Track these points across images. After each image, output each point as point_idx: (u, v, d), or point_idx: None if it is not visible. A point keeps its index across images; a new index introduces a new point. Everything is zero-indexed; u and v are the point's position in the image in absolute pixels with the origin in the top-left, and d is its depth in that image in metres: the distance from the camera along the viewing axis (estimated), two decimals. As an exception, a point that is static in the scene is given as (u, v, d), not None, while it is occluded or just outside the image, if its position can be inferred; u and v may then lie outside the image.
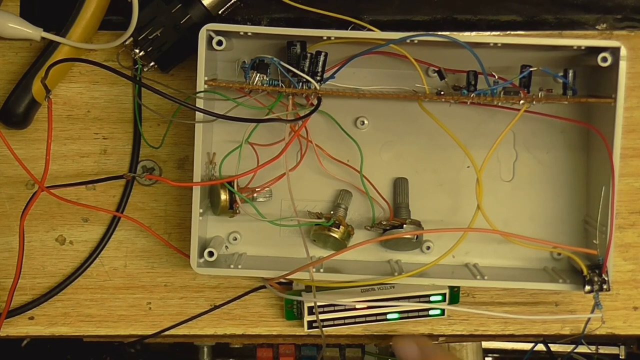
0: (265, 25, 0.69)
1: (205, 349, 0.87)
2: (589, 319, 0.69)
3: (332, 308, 0.67)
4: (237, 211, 0.65)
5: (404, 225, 0.66)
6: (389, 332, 0.71)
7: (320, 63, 0.62)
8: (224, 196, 0.65)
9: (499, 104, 0.63)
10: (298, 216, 0.68)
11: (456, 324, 0.71)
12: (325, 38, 0.62)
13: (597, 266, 0.63)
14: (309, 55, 0.62)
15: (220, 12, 0.67)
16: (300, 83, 0.62)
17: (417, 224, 0.67)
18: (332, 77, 0.64)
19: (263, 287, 0.70)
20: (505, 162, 0.69)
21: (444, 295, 0.67)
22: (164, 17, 0.66)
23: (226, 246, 0.69)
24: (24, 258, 0.68)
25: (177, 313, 0.71)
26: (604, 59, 0.62)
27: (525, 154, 0.69)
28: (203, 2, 0.66)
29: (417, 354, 0.66)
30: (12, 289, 0.68)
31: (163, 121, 0.70)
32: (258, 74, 0.62)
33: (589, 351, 0.84)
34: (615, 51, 0.61)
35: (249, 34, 0.62)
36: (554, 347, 0.76)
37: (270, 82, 0.63)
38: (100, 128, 0.71)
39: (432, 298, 0.67)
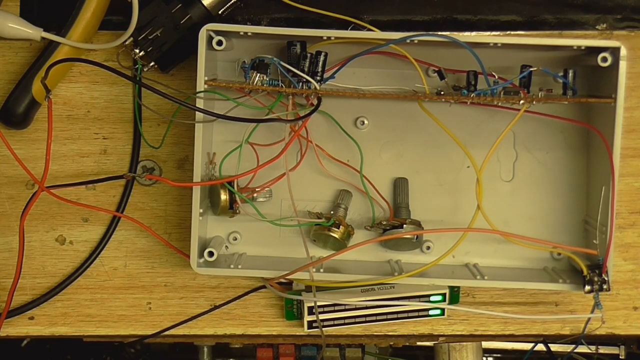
0: (265, 25, 0.69)
1: (205, 349, 0.87)
2: (589, 319, 0.69)
3: (332, 308, 0.67)
4: (237, 211, 0.65)
5: (404, 225, 0.66)
6: (389, 332, 0.71)
7: (320, 63, 0.62)
8: (224, 196, 0.65)
9: (499, 104, 0.63)
10: (298, 216, 0.68)
11: (456, 324, 0.71)
12: (325, 38, 0.62)
13: (597, 266, 0.63)
14: (309, 55, 0.62)
15: (220, 12, 0.67)
16: (300, 83, 0.62)
17: (417, 224, 0.67)
18: (332, 77, 0.64)
19: (263, 287, 0.70)
20: (505, 162, 0.69)
21: (444, 295, 0.67)
22: (164, 17, 0.66)
23: (226, 246, 0.69)
24: (24, 258, 0.68)
25: (177, 313, 0.71)
26: (604, 59, 0.62)
27: (525, 154, 0.69)
28: (203, 2, 0.66)
29: None
30: (12, 289, 0.68)
31: (163, 121, 0.70)
32: (258, 74, 0.62)
33: (589, 351, 0.84)
34: (615, 51, 0.61)
35: (249, 34, 0.62)
36: (554, 347, 0.76)
37: (270, 82, 0.63)
38: (100, 128, 0.71)
39: (432, 298, 0.67)
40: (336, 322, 0.68)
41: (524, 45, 0.62)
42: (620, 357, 0.88)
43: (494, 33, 0.69)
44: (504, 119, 0.66)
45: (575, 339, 0.70)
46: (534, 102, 0.63)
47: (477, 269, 0.67)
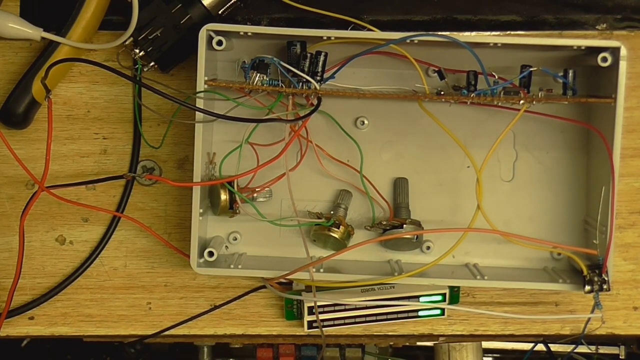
0: (265, 25, 0.69)
1: (205, 349, 0.87)
2: (589, 319, 0.69)
3: (332, 308, 0.67)
4: (237, 211, 0.65)
5: (404, 225, 0.66)
6: (389, 332, 0.71)
7: (320, 63, 0.62)
8: (224, 196, 0.65)
9: (499, 104, 0.63)
10: (298, 216, 0.68)
11: (456, 324, 0.71)
12: (325, 38, 0.62)
13: (597, 266, 0.63)
14: (309, 55, 0.62)
15: (220, 12, 0.67)
16: (300, 83, 0.62)
17: (417, 224, 0.67)
18: (332, 77, 0.64)
19: (263, 287, 0.70)
20: (505, 162, 0.69)
21: (444, 295, 0.67)
22: (164, 17, 0.66)
23: (226, 246, 0.69)
24: (24, 258, 0.69)
25: (177, 313, 0.71)
26: (604, 59, 0.62)
27: (525, 154, 0.69)
28: (203, 2, 0.66)
29: None
30: (12, 289, 0.68)
31: (163, 121, 0.70)
32: (258, 74, 0.62)
33: (589, 351, 0.84)
34: (615, 51, 0.61)
35: (249, 34, 0.62)
36: (554, 347, 0.76)
37: (270, 82, 0.63)
38: (100, 128, 0.71)
39: (432, 298, 0.67)
40: (336, 322, 0.68)
41: (524, 45, 0.62)
42: (620, 357, 0.88)
43: (494, 33, 0.69)
44: (504, 119, 0.66)
45: (575, 339, 0.70)
46: (534, 102, 0.63)
47: (477, 269, 0.67)
